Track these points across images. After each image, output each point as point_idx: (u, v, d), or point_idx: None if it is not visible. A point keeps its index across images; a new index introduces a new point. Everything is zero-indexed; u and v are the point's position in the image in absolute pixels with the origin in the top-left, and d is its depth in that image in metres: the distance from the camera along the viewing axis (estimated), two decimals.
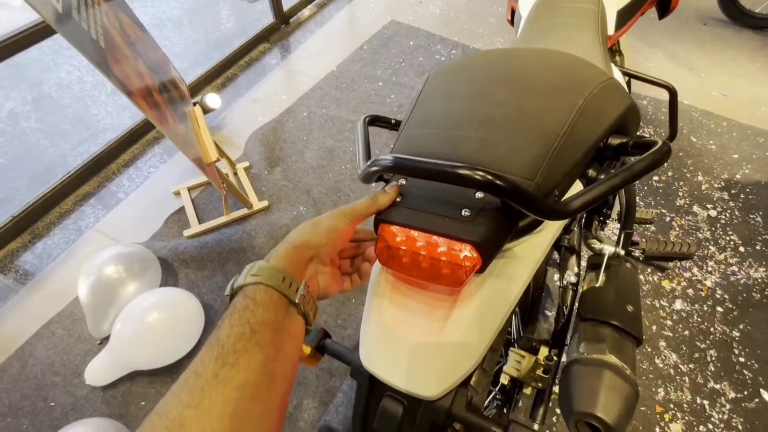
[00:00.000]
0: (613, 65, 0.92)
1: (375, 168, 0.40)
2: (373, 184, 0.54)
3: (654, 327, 1.28)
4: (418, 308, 0.43)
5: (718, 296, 1.34)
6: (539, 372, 0.71)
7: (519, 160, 0.40)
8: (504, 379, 0.73)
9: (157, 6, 2.60)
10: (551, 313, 1.25)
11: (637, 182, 1.55)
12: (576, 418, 0.50)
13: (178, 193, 1.58)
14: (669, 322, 1.29)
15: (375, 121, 0.58)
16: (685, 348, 1.24)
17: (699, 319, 1.30)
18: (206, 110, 1.71)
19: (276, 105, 1.93)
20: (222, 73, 2.08)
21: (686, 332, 1.27)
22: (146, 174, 1.67)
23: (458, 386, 0.42)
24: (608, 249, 0.76)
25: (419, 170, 0.36)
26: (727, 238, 1.48)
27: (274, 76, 2.09)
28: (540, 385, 0.71)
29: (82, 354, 1.19)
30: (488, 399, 0.89)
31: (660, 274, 1.40)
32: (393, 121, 0.59)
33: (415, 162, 0.36)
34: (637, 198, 1.60)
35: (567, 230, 0.94)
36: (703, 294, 1.35)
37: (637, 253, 0.82)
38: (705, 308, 1.32)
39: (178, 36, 2.43)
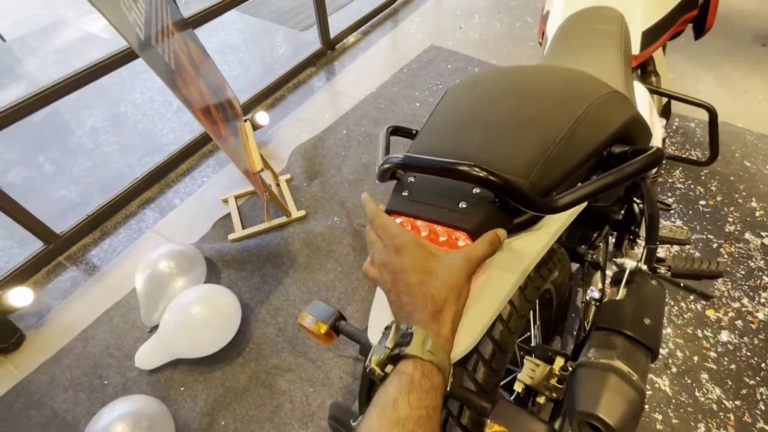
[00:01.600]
0: (639, 84, 0.93)
1: (387, 165, 0.46)
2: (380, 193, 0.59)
3: (696, 358, 1.21)
4: None
5: None
6: (553, 382, 0.72)
7: (516, 160, 0.44)
8: (518, 387, 0.74)
9: (220, 35, 2.90)
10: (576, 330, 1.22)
11: (664, 205, 1.48)
12: (578, 418, 0.51)
13: (226, 201, 1.73)
14: (713, 354, 1.21)
15: (397, 131, 0.64)
16: (730, 383, 1.15)
17: (748, 354, 1.20)
18: (255, 126, 1.87)
19: (319, 123, 2.07)
20: (272, 93, 2.27)
21: (732, 366, 1.18)
22: (200, 183, 1.85)
23: (455, 365, 0.45)
24: (630, 264, 0.76)
25: (424, 167, 0.41)
26: None
27: (319, 97, 2.24)
28: (554, 395, 0.71)
29: (134, 340, 1.32)
30: None
31: (704, 303, 1.32)
32: (414, 131, 0.65)
33: (421, 160, 0.42)
34: (680, 221, 1.53)
35: (592, 246, 0.94)
36: (754, 327, 1.25)
37: (663, 270, 0.80)
38: (756, 342, 1.22)
39: (236, 61, 2.68)
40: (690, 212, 1.55)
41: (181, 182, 1.86)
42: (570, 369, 0.68)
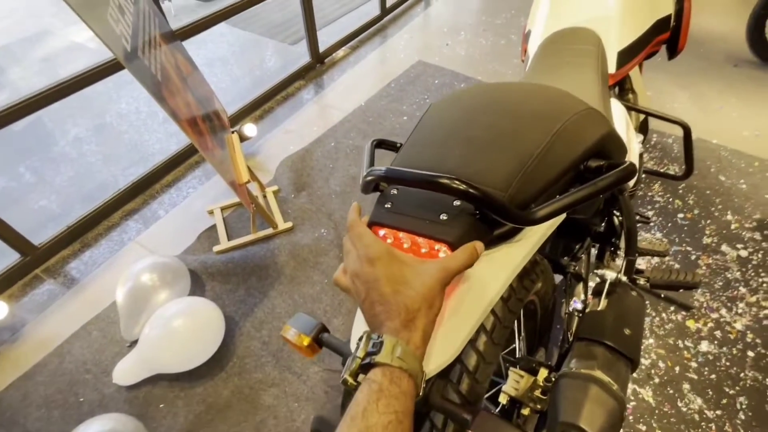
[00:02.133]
0: (616, 101, 0.96)
1: (370, 177, 0.47)
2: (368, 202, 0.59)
3: (677, 368, 1.23)
4: None
5: (749, 340, 1.27)
6: (537, 393, 0.72)
7: (495, 174, 0.46)
8: (503, 399, 0.74)
9: (209, 47, 2.91)
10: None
11: (641, 220, 1.52)
12: (560, 429, 0.51)
13: (211, 212, 1.71)
14: (694, 364, 1.23)
15: (381, 144, 0.65)
16: (711, 393, 1.17)
17: (728, 363, 1.23)
18: (243, 138, 1.87)
19: (307, 135, 2.08)
20: (260, 105, 2.28)
21: (713, 376, 1.20)
22: (185, 194, 1.83)
23: (435, 377, 0.45)
24: (610, 275, 0.77)
25: (406, 179, 0.42)
26: (760, 280, 1.41)
27: (308, 109, 2.26)
28: (539, 406, 0.72)
29: (113, 355, 1.28)
30: None
31: (684, 314, 1.35)
32: (398, 145, 0.67)
33: (402, 173, 0.43)
34: (659, 234, 1.56)
35: (574, 258, 0.96)
36: (732, 337, 1.28)
37: (642, 281, 0.82)
38: (734, 352, 1.25)
39: (225, 73, 2.69)
40: (669, 225, 1.59)
41: (166, 193, 1.84)
42: (554, 380, 0.68)
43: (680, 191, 1.72)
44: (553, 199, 0.43)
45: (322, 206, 1.71)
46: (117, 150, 2.16)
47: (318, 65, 2.54)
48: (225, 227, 1.64)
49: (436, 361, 0.44)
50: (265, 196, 1.73)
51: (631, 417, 1.13)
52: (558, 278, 0.95)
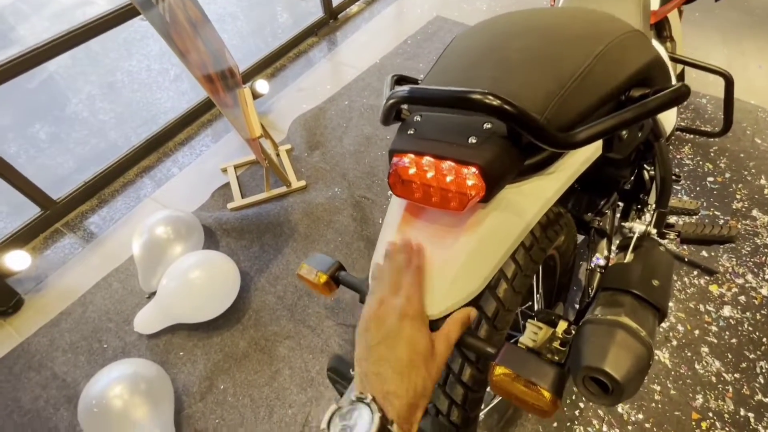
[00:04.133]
0: (658, 43, 0.89)
1: (393, 100, 0.43)
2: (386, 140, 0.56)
3: (697, 332, 1.20)
4: (426, 239, 0.45)
5: None
6: (556, 345, 0.71)
7: (530, 95, 0.42)
8: None
9: (219, 2, 2.81)
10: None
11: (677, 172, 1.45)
12: (583, 374, 0.50)
13: (225, 170, 1.70)
14: (714, 328, 1.20)
15: (401, 80, 0.61)
16: (731, 356, 1.15)
17: (750, 328, 1.20)
18: (255, 95, 1.82)
19: (320, 94, 2.02)
20: (272, 63, 2.20)
21: (734, 340, 1.18)
22: (198, 152, 1.81)
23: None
24: (639, 228, 0.73)
25: (432, 98, 0.38)
26: None
27: (321, 67, 2.18)
28: (557, 358, 0.70)
29: (133, 305, 1.32)
30: None
31: (708, 278, 1.31)
32: (419, 81, 0.62)
33: (428, 90, 0.39)
34: (687, 197, 1.50)
35: (599, 213, 0.92)
36: (756, 302, 1.24)
37: (672, 236, 0.78)
38: (758, 317, 1.21)
39: (235, 30, 2.60)
40: (697, 188, 1.52)
41: (180, 151, 1.83)
42: (573, 333, 0.67)
43: (711, 154, 1.63)
44: (596, 121, 0.38)
45: (336, 165, 1.68)
46: (129, 108, 2.14)
47: (331, 21, 2.43)
48: (239, 185, 1.63)
49: (459, 294, 0.42)
50: (278, 155, 1.71)
51: (645, 378, 1.12)
52: (580, 239, 0.91)
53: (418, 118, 0.46)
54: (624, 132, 0.50)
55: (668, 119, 0.78)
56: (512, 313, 0.65)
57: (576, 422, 1.04)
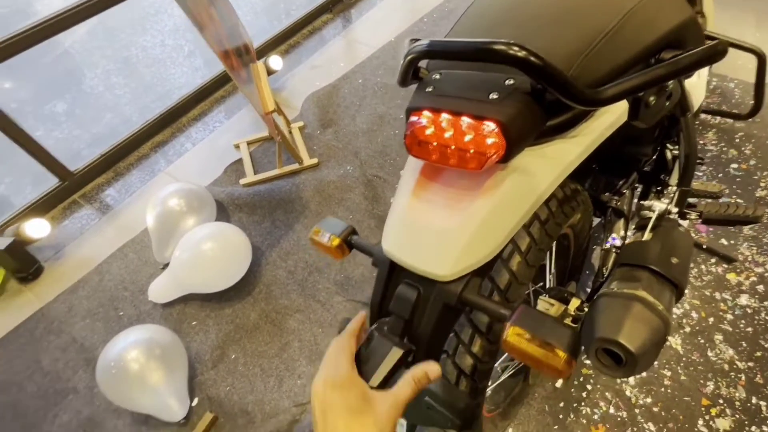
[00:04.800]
0: None
1: (412, 56, 0.41)
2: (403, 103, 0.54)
3: (711, 319, 1.18)
4: (442, 201, 0.44)
5: None
6: (568, 321, 0.70)
7: (555, 51, 0.40)
8: None
9: None
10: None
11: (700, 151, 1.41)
12: (596, 345, 0.49)
13: (237, 146, 1.70)
14: (729, 317, 1.18)
15: None
16: (745, 345, 1.13)
17: (767, 318, 1.17)
18: (269, 71, 1.81)
19: (334, 71, 1.99)
20: (286, 40, 2.18)
21: (749, 329, 1.15)
22: (212, 128, 1.82)
23: (473, 274, 0.43)
24: (659, 206, 0.71)
25: (453, 51, 0.37)
26: None
27: (334, 44, 2.15)
28: None
29: (148, 276, 1.34)
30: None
31: (726, 266, 1.28)
32: None
33: (449, 43, 0.37)
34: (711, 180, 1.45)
35: (617, 193, 0.89)
36: None
37: (693, 216, 0.76)
38: None
39: (249, 5, 2.57)
40: (720, 175, 1.47)
41: (193, 127, 1.83)
42: (586, 310, 0.66)
43: (736, 140, 1.57)
44: (626, 77, 0.37)
45: (348, 143, 1.67)
46: (143, 83, 2.14)
47: None
48: (251, 161, 1.64)
49: (473, 256, 0.41)
50: (290, 132, 1.70)
51: (656, 363, 1.11)
52: (595, 222, 0.89)
53: (437, 76, 0.44)
54: (651, 98, 0.48)
55: (697, 93, 0.74)
56: (525, 287, 0.65)
57: (583, 403, 1.04)
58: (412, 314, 0.44)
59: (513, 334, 0.37)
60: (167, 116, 1.82)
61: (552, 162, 0.43)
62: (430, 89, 0.43)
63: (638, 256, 0.60)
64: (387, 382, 0.41)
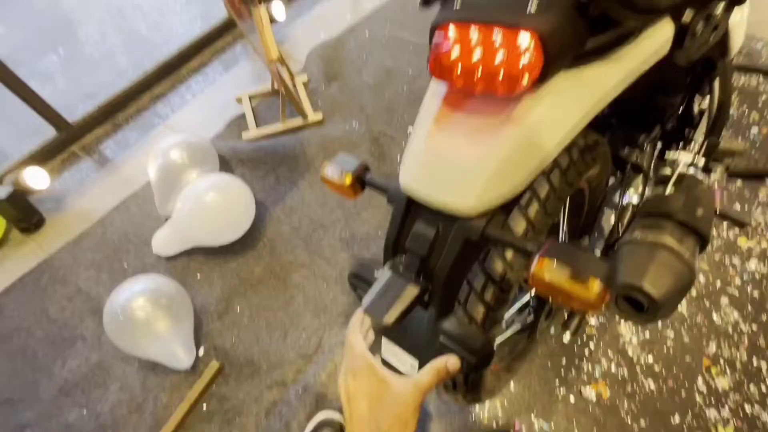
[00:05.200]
0: None
1: None
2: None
3: (718, 283, 1.17)
4: (466, 131, 0.41)
5: None
6: None
7: None
8: None
9: None
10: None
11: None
12: (618, 292, 0.47)
13: (239, 100, 1.64)
14: (738, 281, 1.17)
15: None
16: (750, 308, 1.12)
17: None
18: (271, 20, 1.71)
19: (339, 23, 1.89)
20: None
21: (756, 293, 1.15)
22: (212, 80, 1.75)
23: (497, 210, 0.41)
24: (685, 158, 0.68)
25: None
26: None
27: None
28: None
29: (151, 229, 1.33)
30: (521, 304, 0.88)
31: (737, 232, 1.26)
32: None
33: None
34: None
35: (638, 148, 0.86)
36: None
37: (719, 170, 0.73)
38: None
39: None
40: (740, 138, 1.42)
41: (193, 78, 1.76)
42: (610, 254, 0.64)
43: (760, 103, 1.51)
44: None
45: (354, 99, 1.61)
46: (140, 33, 2.04)
47: None
48: (254, 116, 1.58)
49: (499, 190, 0.38)
50: (294, 86, 1.63)
51: (659, 323, 1.11)
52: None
53: None
54: (699, 25, 0.44)
55: (737, 36, 0.69)
56: (542, 236, 0.63)
57: (585, 359, 1.05)
58: (429, 252, 0.42)
59: (542, 267, 0.35)
60: (165, 67, 1.74)
61: (590, 88, 0.39)
62: (458, 5, 0.39)
63: (662, 206, 0.58)
64: (402, 320, 0.39)
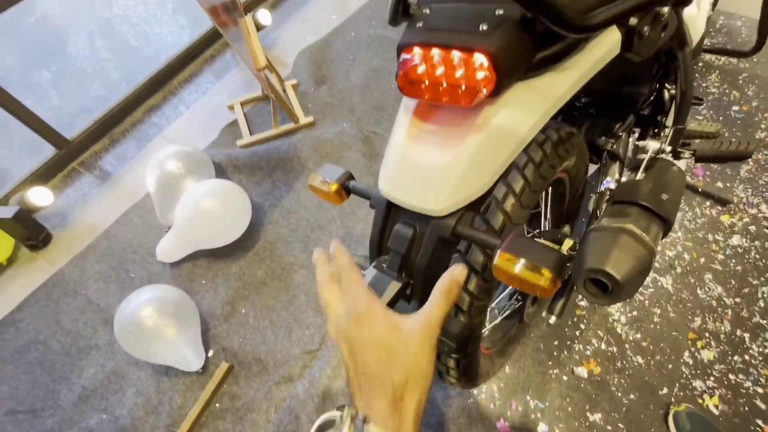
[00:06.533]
0: None
1: None
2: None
3: (702, 259, 1.22)
4: (435, 139, 0.45)
5: None
6: None
7: None
8: None
9: None
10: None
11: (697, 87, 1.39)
12: (584, 276, 0.52)
13: (231, 107, 1.68)
14: (720, 257, 1.22)
15: None
16: (734, 282, 1.17)
17: (757, 256, 1.21)
18: (258, 27, 1.74)
19: (325, 25, 1.92)
20: None
21: (738, 268, 1.19)
22: (204, 89, 1.78)
23: (466, 208, 0.45)
24: (653, 145, 0.72)
25: None
26: None
27: None
28: None
29: (154, 239, 1.38)
30: (510, 291, 0.93)
31: (720, 209, 1.30)
32: None
33: None
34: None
35: (614, 136, 0.90)
36: (767, 231, 1.24)
37: (687, 155, 0.77)
38: (767, 246, 1.22)
39: None
40: (721, 118, 1.45)
41: (185, 89, 1.80)
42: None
43: (740, 81, 1.54)
44: (616, 1, 0.36)
45: (344, 100, 1.64)
46: (128, 45, 2.07)
47: None
48: (246, 122, 1.62)
49: (465, 191, 0.43)
50: (284, 90, 1.67)
51: (647, 301, 1.16)
52: (592, 169, 0.90)
53: (427, 11, 0.44)
54: (646, 28, 0.47)
55: (696, 26, 0.73)
56: (519, 228, 0.67)
57: (576, 341, 1.10)
58: (408, 250, 0.46)
59: (502, 260, 0.40)
60: (157, 79, 1.77)
61: (543, 95, 0.43)
62: (420, 24, 0.43)
63: (629, 193, 0.62)
64: None
